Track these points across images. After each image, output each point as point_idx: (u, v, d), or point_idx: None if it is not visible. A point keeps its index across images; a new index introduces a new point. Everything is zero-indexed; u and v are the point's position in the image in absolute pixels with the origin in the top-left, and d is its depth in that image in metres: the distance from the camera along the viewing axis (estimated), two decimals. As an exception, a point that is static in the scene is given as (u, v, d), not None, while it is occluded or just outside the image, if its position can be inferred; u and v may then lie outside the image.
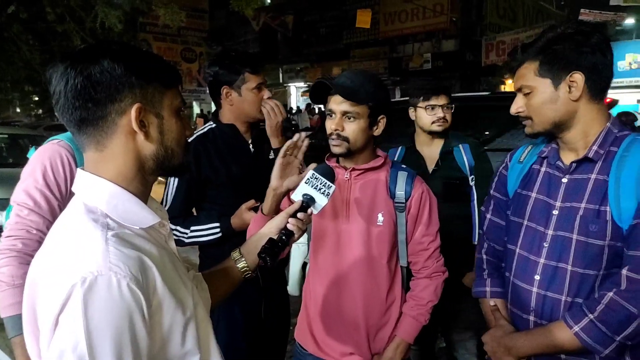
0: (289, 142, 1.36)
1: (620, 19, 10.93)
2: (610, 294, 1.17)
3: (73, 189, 0.88)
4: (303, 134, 1.37)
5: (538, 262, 1.30)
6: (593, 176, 1.25)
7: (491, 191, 1.54)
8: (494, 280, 1.48)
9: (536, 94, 1.26)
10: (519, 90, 1.30)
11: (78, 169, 0.88)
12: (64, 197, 1.55)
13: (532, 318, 1.32)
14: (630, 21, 11.58)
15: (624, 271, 1.17)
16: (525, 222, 1.36)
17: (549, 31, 1.26)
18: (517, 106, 1.31)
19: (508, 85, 14.25)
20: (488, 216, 1.53)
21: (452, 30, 12.55)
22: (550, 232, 1.29)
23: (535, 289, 1.31)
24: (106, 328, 0.71)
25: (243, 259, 1.16)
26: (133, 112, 0.83)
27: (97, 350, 0.71)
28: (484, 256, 1.52)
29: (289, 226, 1.13)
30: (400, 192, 1.52)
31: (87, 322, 0.70)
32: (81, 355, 0.70)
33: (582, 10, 10.06)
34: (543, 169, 1.37)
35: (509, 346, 1.32)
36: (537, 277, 1.30)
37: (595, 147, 1.24)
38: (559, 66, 1.22)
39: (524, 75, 1.28)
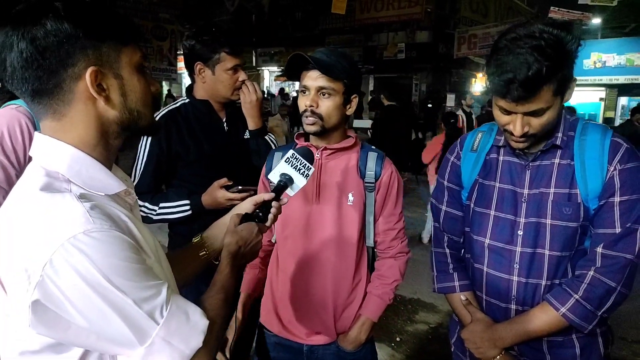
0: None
1: (586, 18, 11.25)
2: (591, 272, 1.21)
3: (30, 153, 0.83)
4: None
5: (515, 250, 1.31)
6: (557, 161, 1.29)
7: (444, 182, 1.51)
8: (461, 273, 1.47)
9: (551, 110, 1.20)
10: (534, 113, 1.19)
11: (36, 133, 0.82)
12: (22, 165, 1.48)
13: (513, 306, 1.33)
14: (596, 21, 11.95)
15: (599, 249, 1.22)
16: (493, 212, 1.36)
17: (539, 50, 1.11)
18: (525, 128, 1.22)
19: (479, 79, 14.50)
20: (443, 208, 1.51)
21: (426, 21, 12.67)
22: (522, 219, 1.31)
23: (515, 278, 1.31)
24: (114, 260, 0.71)
25: (204, 249, 1.14)
26: (88, 76, 0.76)
27: (115, 279, 0.71)
28: (447, 250, 1.50)
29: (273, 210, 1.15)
30: (370, 173, 1.52)
31: (96, 265, 0.69)
32: (106, 288, 0.70)
33: (551, 8, 10.28)
34: (501, 158, 1.38)
35: (493, 338, 1.32)
36: (516, 266, 1.31)
37: (559, 134, 1.28)
38: (566, 81, 1.18)
39: (541, 98, 1.16)
